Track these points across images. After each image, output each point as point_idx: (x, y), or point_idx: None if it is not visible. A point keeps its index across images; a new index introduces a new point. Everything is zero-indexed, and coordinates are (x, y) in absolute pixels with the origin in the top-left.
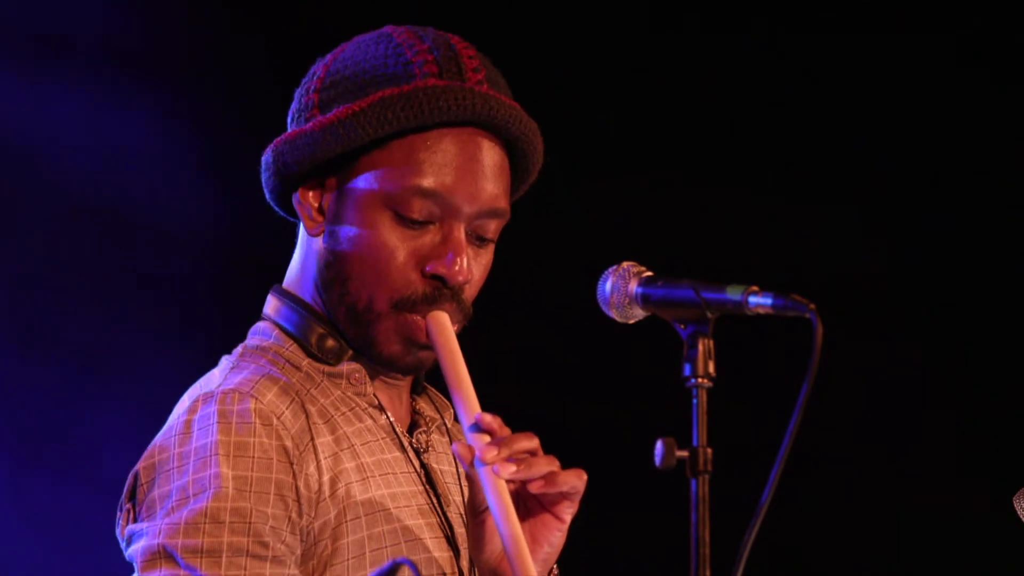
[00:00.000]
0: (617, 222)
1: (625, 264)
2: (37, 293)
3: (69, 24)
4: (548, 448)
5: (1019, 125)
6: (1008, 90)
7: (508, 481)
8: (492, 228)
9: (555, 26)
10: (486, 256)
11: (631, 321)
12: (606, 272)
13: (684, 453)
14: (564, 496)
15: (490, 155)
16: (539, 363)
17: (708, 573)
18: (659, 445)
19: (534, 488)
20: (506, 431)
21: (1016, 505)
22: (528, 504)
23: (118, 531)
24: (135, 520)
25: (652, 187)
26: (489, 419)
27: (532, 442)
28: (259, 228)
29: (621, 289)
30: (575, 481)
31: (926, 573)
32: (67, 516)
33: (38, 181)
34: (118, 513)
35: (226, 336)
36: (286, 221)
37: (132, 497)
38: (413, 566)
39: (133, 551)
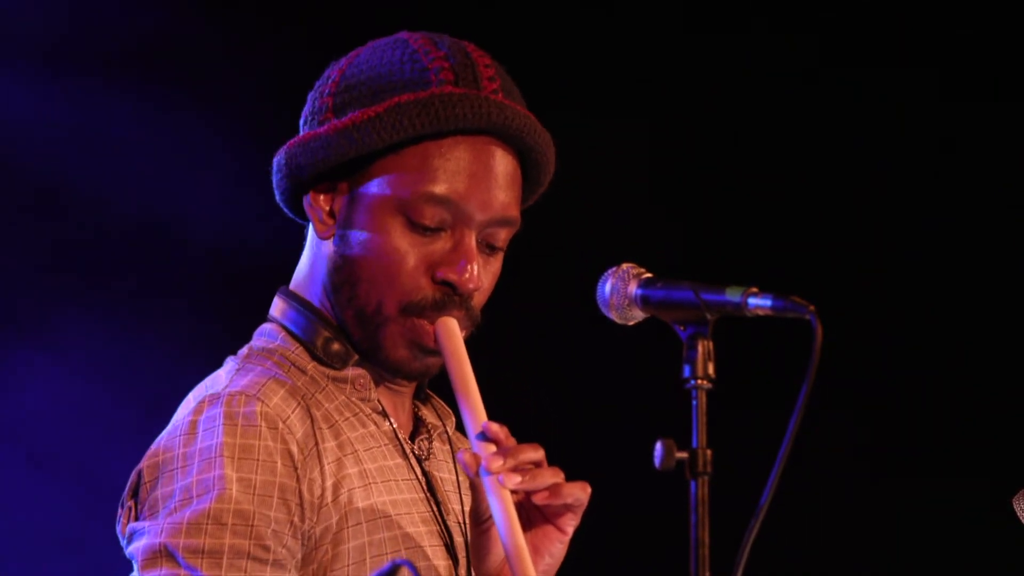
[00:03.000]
0: (617, 222)
1: (624, 266)
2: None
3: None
4: (548, 449)
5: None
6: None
7: (512, 491)
8: (503, 236)
9: (554, 26)
10: (495, 264)
11: (631, 323)
12: (605, 274)
13: (684, 454)
14: (567, 508)
15: (503, 164)
16: (539, 363)
17: (708, 574)
18: (659, 446)
19: (538, 499)
20: (512, 441)
21: (1016, 506)
22: (531, 515)
23: (118, 528)
24: (136, 518)
25: (652, 187)
26: (496, 428)
27: (538, 453)
28: (261, 228)
29: (620, 291)
30: (579, 493)
31: (926, 573)
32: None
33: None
34: (119, 510)
35: (226, 336)
36: (291, 222)
37: (135, 495)
38: (412, 567)
39: (133, 549)
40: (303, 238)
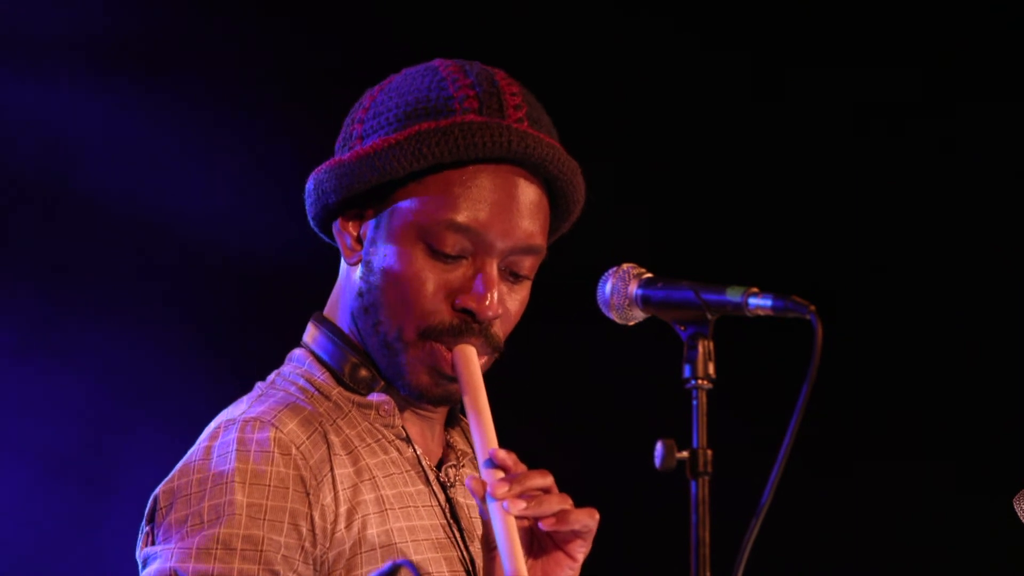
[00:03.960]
0: (617, 222)
1: (625, 266)
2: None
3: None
4: (548, 451)
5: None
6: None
7: (520, 518)
8: (527, 265)
9: (564, 24)
10: (522, 292)
11: (631, 323)
12: (606, 274)
13: (684, 454)
14: (576, 535)
15: (527, 192)
16: (538, 364)
17: (708, 574)
18: (659, 447)
19: (545, 526)
20: (521, 468)
21: (1016, 507)
22: (542, 542)
23: (137, 553)
24: (152, 543)
25: (652, 187)
26: (503, 455)
27: (546, 480)
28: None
29: (621, 291)
30: (587, 520)
31: (926, 573)
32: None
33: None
34: (139, 536)
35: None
36: (305, 231)
37: (151, 520)
38: (413, 567)
39: (146, 574)
40: (337, 262)
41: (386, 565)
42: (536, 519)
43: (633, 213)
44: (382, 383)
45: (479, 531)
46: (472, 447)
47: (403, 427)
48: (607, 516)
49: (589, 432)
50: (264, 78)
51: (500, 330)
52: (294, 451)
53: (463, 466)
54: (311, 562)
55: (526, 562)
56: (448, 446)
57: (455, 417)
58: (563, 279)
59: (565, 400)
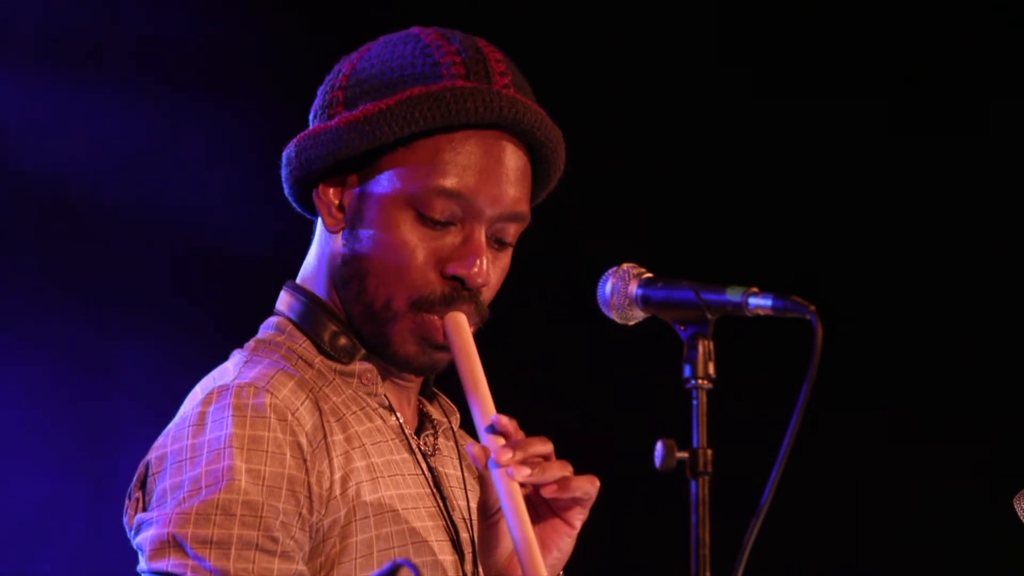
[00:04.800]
0: (617, 222)
1: (625, 266)
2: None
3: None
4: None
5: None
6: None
7: (521, 485)
8: (512, 232)
9: (564, 24)
10: (504, 259)
11: (631, 323)
12: (606, 274)
13: (684, 454)
14: (576, 502)
15: (513, 159)
16: (538, 364)
17: (708, 574)
18: (659, 447)
19: (547, 493)
20: (521, 434)
21: (1016, 506)
22: (539, 509)
23: (125, 520)
24: (144, 509)
25: (653, 187)
26: (505, 421)
27: (547, 446)
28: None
29: (621, 291)
30: (588, 487)
31: (926, 573)
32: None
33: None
34: (127, 501)
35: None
36: (293, 218)
37: (142, 486)
38: (413, 567)
39: (141, 540)
40: (310, 233)
41: (386, 566)
42: (538, 486)
43: (633, 213)
44: (363, 351)
45: (458, 501)
46: (447, 417)
47: (385, 395)
48: (607, 516)
49: (589, 432)
50: (264, 78)
51: (485, 298)
52: (290, 417)
53: (439, 435)
54: (307, 529)
55: None
56: (423, 415)
57: (428, 387)
58: (563, 279)
59: (565, 400)
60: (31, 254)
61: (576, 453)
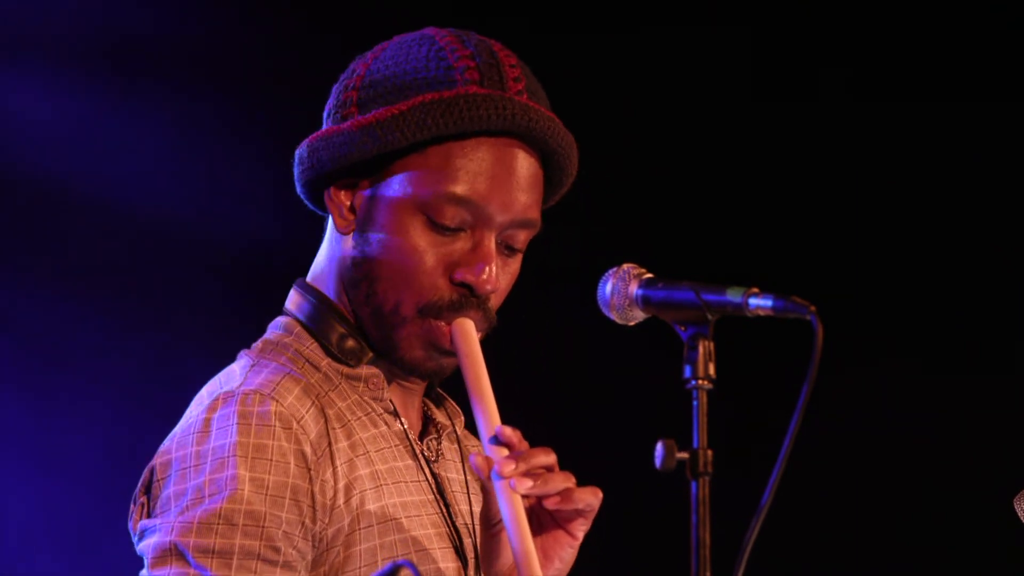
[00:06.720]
0: (617, 222)
1: (625, 266)
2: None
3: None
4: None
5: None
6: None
7: (523, 496)
8: (522, 238)
9: (564, 25)
10: (514, 265)
11: (631, 323)
12: (606, 274)
13: (684, 455)
14: (578, 513)
15: (525, 166)
16: (539, 364)
17: (708, 574)
18: (659, 447)
19: (549, 504)
20: (525, 445)
21: (1016, 507)
22: (541, 519)
23: (130, 524)
24: (148, 515)
25: (653, 188)
26: (509, 432)
27: (550, 458)
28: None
29: (621, 291)
30: (590, 499)
31: (926, 573)
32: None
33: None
34: (131, 506)
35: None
36: (310, 219)
37: (147, 491)
38: (413, 567)
39: (144, 546)
40: (322, 231)
41: (387, 566)
42: (541, 497)
43: (633, 213)
44: (370, 355)
45: (461, 507)
46: (451, 420)
47: (390, 400)
48: (607, 517)
49: (589, 432)
50: (262, 77)
51: (494, 304)
52: (295, 425)
53: (443, 439)
54: (310, 538)
55: None
56: (427, 418)
57: (433, 389)
58: (564, 279)
59: (566, 400)
60: (44, 254)
61: (576, 454)
